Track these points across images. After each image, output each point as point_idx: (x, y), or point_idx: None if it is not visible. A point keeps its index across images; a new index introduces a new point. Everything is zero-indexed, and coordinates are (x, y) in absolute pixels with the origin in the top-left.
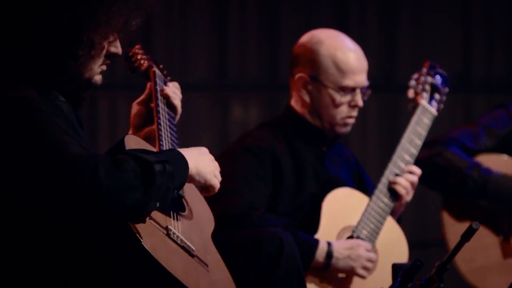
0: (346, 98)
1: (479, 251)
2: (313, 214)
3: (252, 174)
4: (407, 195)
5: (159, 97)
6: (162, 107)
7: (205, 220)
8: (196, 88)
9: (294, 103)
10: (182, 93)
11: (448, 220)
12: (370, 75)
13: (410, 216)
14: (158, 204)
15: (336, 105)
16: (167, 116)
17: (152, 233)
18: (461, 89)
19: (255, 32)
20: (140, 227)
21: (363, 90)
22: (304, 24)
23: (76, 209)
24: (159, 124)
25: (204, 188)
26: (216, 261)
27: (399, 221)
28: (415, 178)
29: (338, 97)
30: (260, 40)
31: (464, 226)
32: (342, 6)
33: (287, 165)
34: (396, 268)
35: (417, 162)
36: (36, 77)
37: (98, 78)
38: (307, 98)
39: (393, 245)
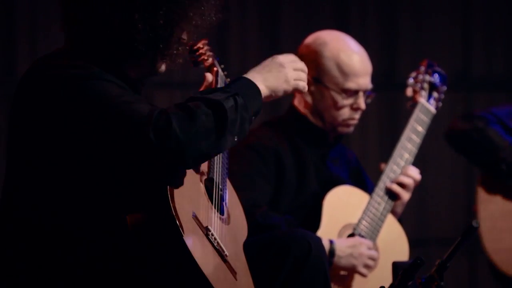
0: (349, 100)
1: (507, 232)
2: (315, 212)
3: (255, 172)
4: (405, 194)
5: None
6: None
7: (240, 228)
8: (196, 86)
9: (297, 103)
10: (183, 90)
11: (481, 196)
12: (371, 73)
13: (410, 214)
14: (236, 138)
15: (338, 108)
16: None
17: (193, 230)
18: (461, 88)
19: (255, 30)
20: (183, 221)
21: (366, 93)
22: (304, 23)
23: (151, 164)
24: None
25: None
26: (244, 271)
27: (399, 221)
28: (416, 177)
29: (340, 100)
30: (260, 38)
31: (497, 204)
32: (343, 5)
33: (290, 164)
34: (396, 266)
35: (455, 133)
36: (103, 61)
37: (163, 67)
38: (309, 99)
39: (394, 243)
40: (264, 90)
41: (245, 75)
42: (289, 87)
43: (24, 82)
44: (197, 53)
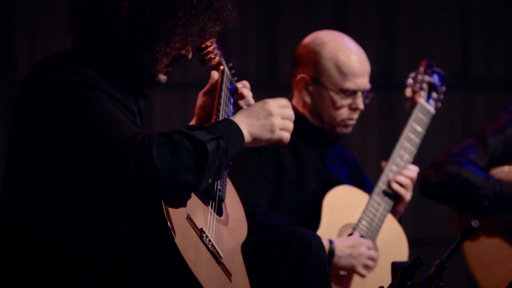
0: (347, 100)
1: (498, 265)
2: (314, 212)
3: (255, 172)
4: (406, 194)
5: (223, 96)
6: (223, 107)
7: (239, 228)
8: (196, 86)
9: (295, 103)
10: (183, 91)
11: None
12: (370, 74)
13: (410, 215)
14: (210, 180)
15: (337, 107)
16: (225, 116)
17: (186, 233)
18: (460, 87)
19: (255, 30)
20: (175, 223)
21: (365, 93)
22: (303, 23)
23: (127, 187)
24: (217, 118)
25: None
26: (240, 272)
27: (399, 222)
28: (413, 175)
29: (339, 100)
30: (260, 38)
31: (482, 241)
32: (342, 5)
33: (289, 164)
34: (395, 266)
35: (431, 186)
36: (105, 62)
37: (162, 77)
38: (308, 99)
39: (393, 243)
40: (247, 137)
41: (232, 117)
42: (273, 136)
43: (25, 82)
44: (204, 52)
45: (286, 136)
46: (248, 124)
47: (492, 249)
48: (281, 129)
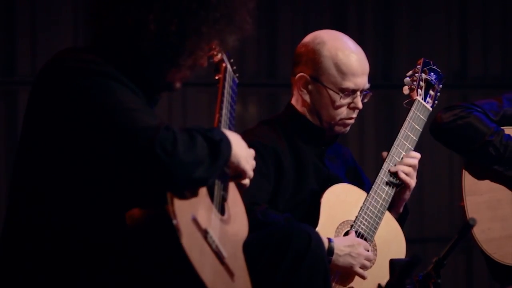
0: (346, 100)
1: (497, 221)
2: (313, 210)
3: (255, 171)
4: (411, 181)
5: (225, 94)
6: (226, 105)
7: (241, 227)
8: (195, 85)
9: (294, 101)
10: (182, 89)
11: (468, 189)
12: (368, 73)
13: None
14: (211, 179)
15: (336, 107)
16: (228, 115)
17: (191, 233)
18: (458, 86)
19: (255, 30)
20: (182, 224)
21: (363, 92)
22: (302, 23)
23: (147, 176)
24: (220, 116)
25: (237, 174)
26: (242, 271)
27: (403, 215)
28: (415, 162)
29: (338, 99)
30: (259, 38)
31: (483, 195)
32: (340, 5)
33: (288, 162)
34: (393, 263)
35: (439, 125)
36: (122, 66)
37: (178, 84)
38: (307, 98)
39: (391, 240)
40: (232, 154)
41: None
42: (244, 164)
43: (43, 72)
44: None
45: (250, 173)
46: (234, 143)
47: (491, 204)
48: (248, 163)
